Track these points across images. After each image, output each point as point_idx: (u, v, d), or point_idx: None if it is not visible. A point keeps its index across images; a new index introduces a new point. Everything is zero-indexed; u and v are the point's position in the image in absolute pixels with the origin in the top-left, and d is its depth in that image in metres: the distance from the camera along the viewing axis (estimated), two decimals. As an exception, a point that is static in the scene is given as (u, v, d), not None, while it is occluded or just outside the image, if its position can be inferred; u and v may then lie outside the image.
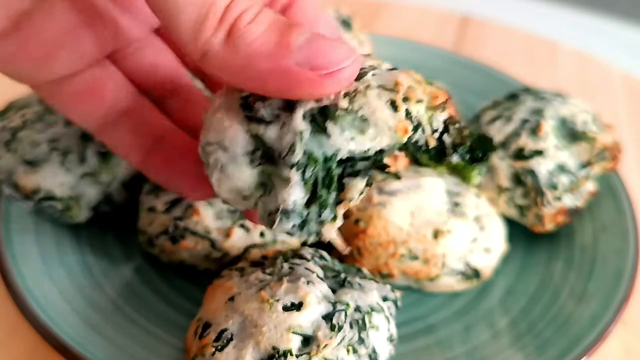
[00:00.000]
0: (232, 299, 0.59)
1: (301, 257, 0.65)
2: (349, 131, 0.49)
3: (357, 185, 0.52)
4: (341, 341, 0.56)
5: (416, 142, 0.53)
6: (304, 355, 0.55)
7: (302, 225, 0.52)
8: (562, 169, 0.78)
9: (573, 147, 0.79)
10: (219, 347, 0.56)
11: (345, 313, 0.58)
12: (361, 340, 0.58)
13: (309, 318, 0.57)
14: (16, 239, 0.75)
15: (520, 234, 0.83)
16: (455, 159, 0.55)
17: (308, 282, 0.59)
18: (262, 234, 0.74)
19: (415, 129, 0.51)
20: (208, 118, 0.53)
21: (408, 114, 0.50)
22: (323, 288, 0.60)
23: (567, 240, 0.82)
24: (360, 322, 0.58)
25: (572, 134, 0.80)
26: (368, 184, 0.52)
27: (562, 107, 0.83)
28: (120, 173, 0.79)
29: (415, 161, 0.62)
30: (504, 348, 0.70)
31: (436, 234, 0.73)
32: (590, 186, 0.81)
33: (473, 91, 1.09)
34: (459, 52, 1.32)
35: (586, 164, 0.79)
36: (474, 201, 0.78)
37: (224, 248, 0.73)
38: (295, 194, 0.50)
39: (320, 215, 0.52)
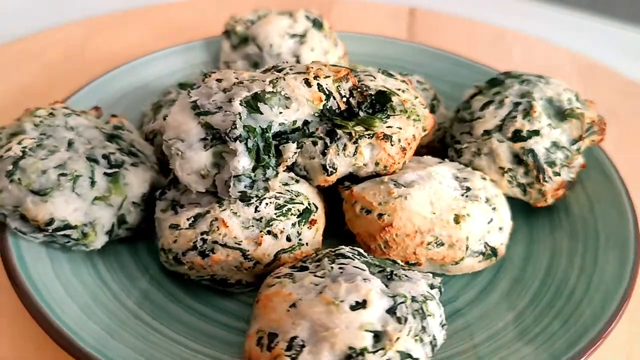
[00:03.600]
0: (293, 305, 0.59)
1: (344, 256, 0.66)
2: (276, 107, 0.69)
3: (290, 148, 0.71)
4: (409, 332, 0.58)
5: (330, 107, 0.73)
6: (379, 351, 0.56)
7: (252, 185, 0.70)
8: (557, 145, 0.84)
9: (564, 124, 0.84)
10: (293, 355, 0.56)
11: (406, 304, 0.59)
12: (424, 329, 0.60)
13: (375, 314, 0.58)
14: (31, 265, 0.72)
15: (520, 209, 0.88)
16: (361, 114, 0.75)
17: (364, 280, 0.60)
18: (288, 239, 0.74)
19: (328, 97, 0.72)
20: (167, 121, 0.70)
21: (320, 87, 0.71)
22: (378, 283, 0.61)
23: (565, 212, 0.88)
24: (420, 311, 0.60)
25: (560, 112, 0.85)
26: (299, 147, 0.73)
27: (547, 87, 0.88)
28: (130, 192, 0.77)
29: (337, 126, 0.76)
30: (515, 339, 0.73)
31: (457, 219, 0.76)
32: (580, 159, 0.87)
33: (447, 81, 1.13)
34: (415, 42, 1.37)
35: (577, 139, 0.85)
36: (482, 183, 0.81)
37: (255, 257, 0.72)
38: (242, 162, 0.67)
39: (265, 175, 0.70)
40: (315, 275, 0.62)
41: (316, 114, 0.73)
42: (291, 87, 0.71)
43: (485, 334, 0.74)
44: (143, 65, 1.06)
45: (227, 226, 0.71)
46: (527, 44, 1.47)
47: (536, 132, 0.83)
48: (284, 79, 0.71)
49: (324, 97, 0.72)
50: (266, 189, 0.71)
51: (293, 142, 0.72)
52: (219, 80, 0.73)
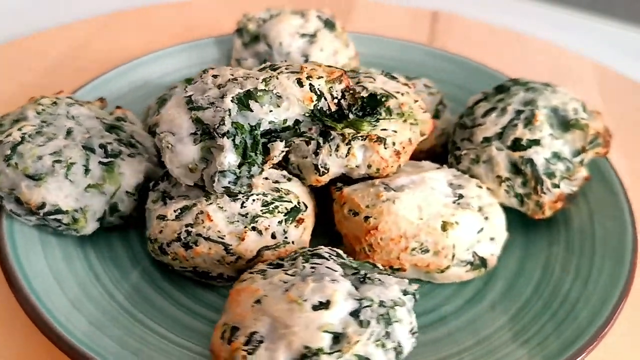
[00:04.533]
0: (258, 301, 0.59)
1: (320, 256, 0.66)
2: (267, 106, 0.69)
3: (278, 147, 0.71)
4: (370, 337, 0.57)
5: (321, 108, 0.73)
6: (335, 353, 0.55)
7: (235, 181, 0.70)
8: (558, 156, 0.81)
9: (567, 135, 0.82)
10: (250, 350, 0.56)
11: (372, 308, 0.59)
12: (387, 335, 0.59)
13: (337, 316, 0.57)
14: (23, 253, 0.74)
15: (518, 221, 0.86)
16: (351, 116, 0.75)
17: (332, 281, 0.60)
18: (273, 236, 0.75)
19: (319, 98, 0.72)
20: (161, 114, 0.72)
21: (312, 87, 0.71)
22: (347, 285, 0.61)
23: (565, 225, 0.85)
24: (385, 316, 0.59)
25: (564, 123, 0.83)
26: (288, 146, 0.72)
27: (553, 96, 0.85)
28: (124, 182, 0.78)
29: (327, 127, 0.76)
30: (509, 341, 0.72)
31: (445, 226, 0.74)
32: (584, 172, 0.84)
33: (457, 85, 1.11)
34: (432, 46, 1.35)
35: (580, 151, 0.82)
36: (477, 192, 0.80)
37: (237, 252, 0.73)
38: (229, 158, 0.68)
39: (250, 172, 0.70)
40: (287, 273, 0.63)
41: (307, 114, 0.73)
42: (283, 86, 0.71)
43: (472, 340, 0.73)
44: (152, 62, 1.09)
45: (212, 220, 0.72)
46: (547, 50, 1.43)
47: (536, 142, 0.81)
48: (277, 78, 0.72)
49: (315, 97, 0.72)
50: (249, 186, 0.72)
51: (282, 141, 0.72)
52: (214, 77, 0.74)
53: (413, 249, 0.74)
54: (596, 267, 0.77)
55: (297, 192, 0.79)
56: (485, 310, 0.77)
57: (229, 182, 0.70)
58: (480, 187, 0.81)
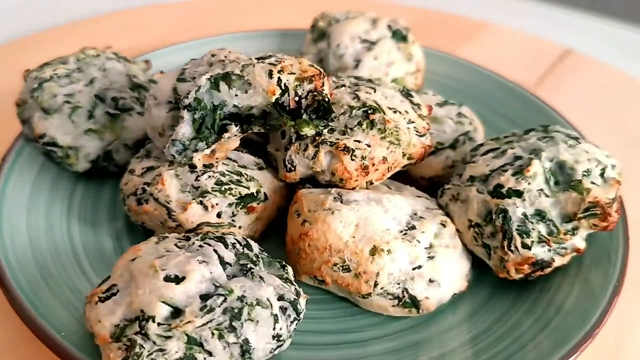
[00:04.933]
0: (134, 259, 0.63)
1: (221, 240, 0.67)
2: (234, 90, 0.73)
3: (232, 130, 0.73)
4: (208, 322, 0.58)
5: (282, 103, 0.74)
6: (165, 325, 0.57)
7: (181, 152, 0.74)
8: (541, 216, 0.71)
9: (560, 195, 0.72)
10: (103, 298, 0.60)
11: (225, 298, 0.59)
12: (232, 329, 0.59)
13: (185, 293, 0.59)
14: (9, 192, 0.83)
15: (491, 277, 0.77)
16: (304, 116, 0.75)
17: (202, 262, 0.61)
18: (219, 215, 0.77)
19: (283, 93, 0.73)
20: (159, 80, 0.77)
21: (279, 81, 0.72)
22: (216, 271, 0.62)
23: (539, 296, 0.75)
24: (236, 311, 0.59)
25: (565, 181, 0.73)
26: (243, 132, 0.75)
27: (569, 150, 0.75)
28: (125, 135, 0.87)
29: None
30: None
31: (373, 251, 0.70)
32: (578, 242, 0.73)
33: (516, 124, 1.02)
34: (541, 84, 1.25)
35: (572, 217, 0.71)
36: (435, 229, 0.74)
37: (179, 219, 0.77)
38: (184, 129, 0.73)
39: (196, 146, 0.74)
40: (176, 245, 0.65)
41: (270, 106, 0.74)
42: (255, 74, 0.73)
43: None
44: (221, 43, 1.16)
45: (164, 184, 0.77)
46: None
47: (518, 193, 0.72)
48: (254, 66, 0.74)
49: (279, 91, 0.73)
50: (190, 159, 0.75)
51: (237, 126, 0.74)
52: (212, 55, 0.79)
53: (335, 265, 0.72)
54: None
55: (262, 181, 0.81)
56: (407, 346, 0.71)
57: (176, 151, 0.74)
58: (444, 226, 0.75)
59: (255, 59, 0.77)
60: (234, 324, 0.59)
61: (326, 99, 0.74)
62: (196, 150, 0.75)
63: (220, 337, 0.58)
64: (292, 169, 0.79)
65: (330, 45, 1.08)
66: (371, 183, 0.79)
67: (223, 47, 0.82)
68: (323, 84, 0.75)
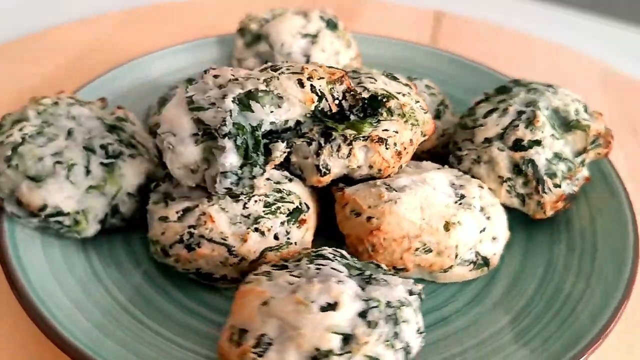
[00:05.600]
0: (265, 303, 0.59)
1: (324, 257, 0.66)
2: (268, 106, 0.69)
3: (279, 148, 0.71)
4: (379, 337, 0.57)
5: (322, 109, 0.73)
6: (345, 354, 0.55)
7: (237, 182, 0.70)
8: (559, 157, 0.82)
9: (568, 135, 0.82)
10: (260, 352, 0.56)
11: (379, 309, 0.59)
12: (396, 335, 0.59)
13: (345, 317, 0.57)
14: (24, 255, 0.73)
15: (520, 220, 0.86)
16: (352, 117, 0.74)
17: (338, 282, 0.60)
18: (276, 237, 0.74)
19: (320, 99, 0.72)
20: (162, 115, 0.71)
21: (312, 88, 0.71)
22: (353, 286, 0.61)
23: (566, 225, 0.85)
24: (393, 317, 0.59)
25: (565, 123, 0.83)
26: (289, 147, 0.73)
27: (554, 97, 0.86)
28: (125, 183, 0.78)
29: (328, 128, 0.76)
30: (512, 341, 0.72)
31: (447, 226, 0.74)
32: (585, 172, 0.84)
33: (459, 86, 1.12)
34: (435, 47, 1.36)
35: (581, 151, 0.82)
36: (478, 192, 0.80)
37: (241, 253, 0.72)
38: (230, 158, 0.68)
39: (252, 173, 0.70)
40: (292, 275, 0.62)
41: (308, 115, 0.73)
42: (284, 86, 0.71)
43: (475, 340, 0.73)
44: (152, 61, 1.08)
45: (214, 221, 0.72)
46: (551, 51, 1.43)
47: (537, 142, 0.81)
48: (278, 79, 0.72)
49: (316, 98, 0.72)
50: (252, 187, 0.72)
51: (283, 142, 0.72)
52: (215, 77, 0.74)
53: (416, 249, 0.74)
54: (598, 267, 0.77)
55: (299, 192, 0.79)
56: (487, 311, 0.77)
57: (231, 183, 0.70)
58: (481, 187, 0.81)
59: (270, 71, 0.75)
60: (396, 330, 0.59)
61: (372, 95, 0.75)
62: (253, 177, 0.71)
63: (392, 346, 0.58)
64: (327, 172, 0.79)
65: (273, 45, 1.07)
66: (400, 167, 0.82)
67: (212, 67, 0.77)
68: (350, 82, 0.76)
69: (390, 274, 0.66)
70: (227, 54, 1.16)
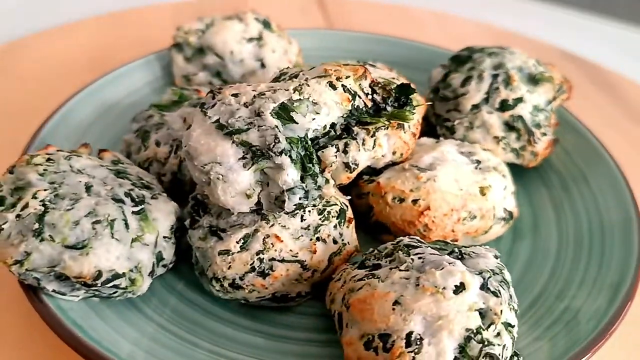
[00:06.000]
0: (397, 302, 0.60)
1: (413, 246, 0.67)
2: (308, 114, 0.68)
3: (330, 152, 0.71)
4: (504, 303, 0.61)
5: (358, 107, 0.73)
6: (490, 327, 0.58)
7: (306, 195, 0.68)
8: (537, 108, 0.91)
9: (539, 88, 0.92)
10: (416, 350, 0.57)
11: (494, 278, 0.63)
12: (511, 297, 0.63)
13: (474, 293, 0.60)
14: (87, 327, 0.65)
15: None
16: (389, 109, 0.75)
17: (450, 263, 0.63)
18: (334, 241, 0.74)
19: (354, 97, 0.71)
20: (192, 147, 0.66)
21: (344, 87, 0.70)
22: (461, 264, 0.64)
23: (551, 169, 0.96)
24: (504, 282, 0.64)
25: (531, 78, 0.93)
26: (338, 150, 0.71)
27: (513, 57, 0.95)
28: (160, 227, 0.72)
29: (367, 123, 0.75)
30: (525, 334, 0.72)
31: (483, 191, 0.80)
32: (554, 118, 0.95)
33: (402, 65, 1.17)
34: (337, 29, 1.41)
35: (551, 100, 0.93)
36: (485, 155, 0.87)
37: (312, 265, 0.72)
38: (291, 174, 0.66)
39: (316, 183, 0.69)
40: (400, 270, 0.63)
41: (345, 115, 0.73)
42: (317, 92, 0.70)
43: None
44: (99, 90, 1.00)
45: (282, 240, 0.70)
46: (435, 18, 1.55)
47: (520, 99, 0.90)
48: (308, 85, 0.70)
49: (350, 97, 0.72)
50: (320, 197, 0.71)
51: (331, 146, 0.71)
52: (235, 95, 0.70)
53: (464, 219, 0.79)
54: (607, 258, 0.81)
55: (334, 193, 0.79)
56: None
57: (300, 198, 0.68)
58: (484, 150, 0.88)
59: (273, 80, 0.74)
60: (510, 292, 0.64)
61: (398, 85, 0.76)
62: (319, 187, 0.69)
63: (513, 309, 0.63)
64: (356, 167, 0.80)
65: (222, 55, 1.03)
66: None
67: (219, 88, 0.74)
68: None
69: (466, 247, 0.70)
70: (164, 72, 1.09)
